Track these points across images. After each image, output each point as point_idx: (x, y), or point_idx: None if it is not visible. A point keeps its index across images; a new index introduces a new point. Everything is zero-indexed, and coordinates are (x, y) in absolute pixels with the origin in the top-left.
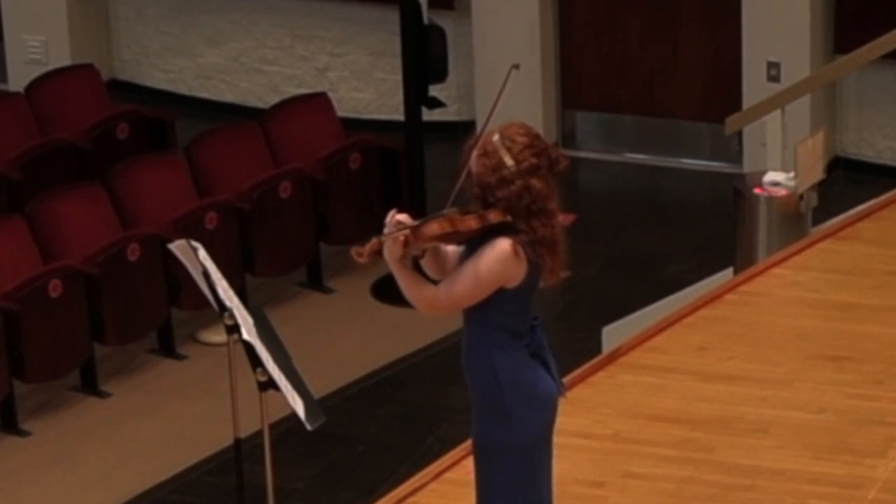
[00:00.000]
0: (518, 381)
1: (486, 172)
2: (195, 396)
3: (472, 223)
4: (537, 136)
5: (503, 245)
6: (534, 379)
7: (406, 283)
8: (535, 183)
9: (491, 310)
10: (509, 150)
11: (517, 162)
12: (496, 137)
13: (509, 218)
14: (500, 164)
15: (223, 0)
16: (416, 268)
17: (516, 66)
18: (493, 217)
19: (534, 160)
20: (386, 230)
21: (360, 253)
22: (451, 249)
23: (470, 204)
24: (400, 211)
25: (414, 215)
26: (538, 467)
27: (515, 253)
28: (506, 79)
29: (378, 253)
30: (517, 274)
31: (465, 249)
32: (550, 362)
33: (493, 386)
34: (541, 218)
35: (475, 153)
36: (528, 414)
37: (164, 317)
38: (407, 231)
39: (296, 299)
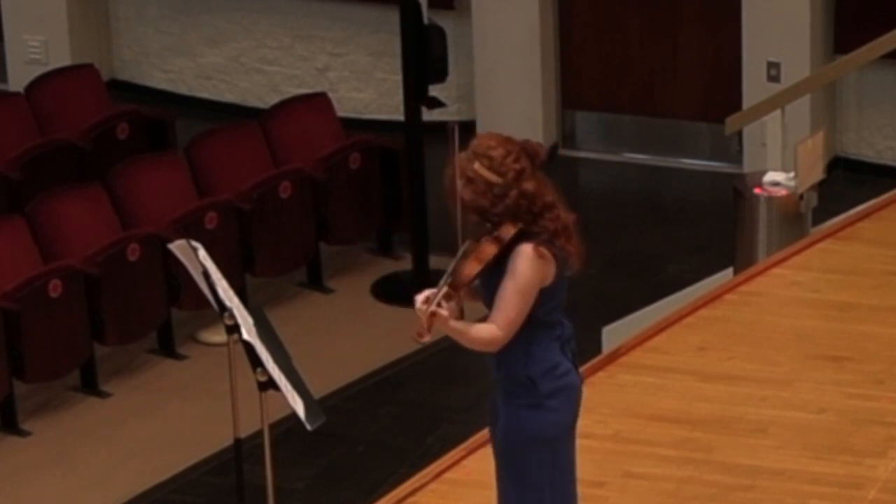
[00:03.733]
0: (550, 370)
1: (478, 197)
2: (195, 396)
3: (492, 249)
4: (508, 141)
5: (526, 251)
6: (564, 369)
7: (461, 336)
8: (527, 186)
9: (533, 310)
10: (489, 167)
11: (502, 175)
12: (472, 160)
13: (521, 225)
14: (488, 184)
15: (223, 0)
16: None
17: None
18: (506, 233)
19: (516, 166)
20: (421, 305)
21: (421, 333)
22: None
23: (475, 230)
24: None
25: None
26: (564, 460)
27: (540, 255)
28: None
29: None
30: (549, 272)
31: (491, 271)
32: (574, 353)
33: (527, 377)
34: (545, 214)
35: (459, 182)
36: (558, 404)
37: (164, 317)
38: (446, 288)
39: (296, 299)
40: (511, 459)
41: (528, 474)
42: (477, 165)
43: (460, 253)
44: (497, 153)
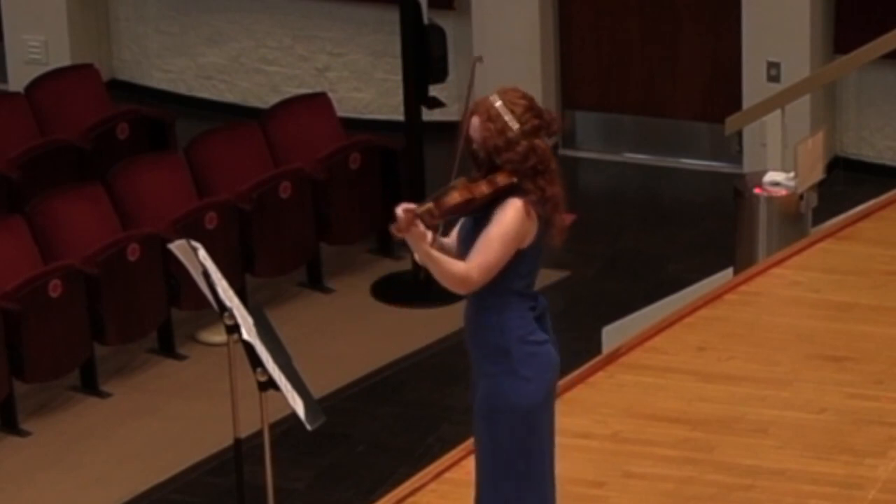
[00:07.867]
0: (525, 339)
1: (493, 136)
2: (195, 396)
3: (483, 188)
4: (534, 100)
5: (517, 203)
6: (538, 339)
7: (436, 266)
8: (539, 143)
9: (507, 274)
10: (512, 112)
11: (521, 124)
12: (498, 102)
13: (515, 179)
14: (505, 127)
15: (223, 0)
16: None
17: (479, 59)
18: (502, 180)
19: (536, 121)
20: (401, 213)
21: (398, 228)
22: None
23: (473, 171)
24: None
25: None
26: (541, 432)
27: (527, 212)
28: (472, 73)
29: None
30: (530, 233)
31: (470, 219)
32: (550, 328)
33: (501, 346)
34: (546, 177)
35: (477, 119)
36: (533, 373)
37: (164, 317)
38: (430, 204)
39: (296, 299)
40: (485, 429)
41: (501, 444)
42: (500, 106)
43: (451, 184)
44: (522, 103)
